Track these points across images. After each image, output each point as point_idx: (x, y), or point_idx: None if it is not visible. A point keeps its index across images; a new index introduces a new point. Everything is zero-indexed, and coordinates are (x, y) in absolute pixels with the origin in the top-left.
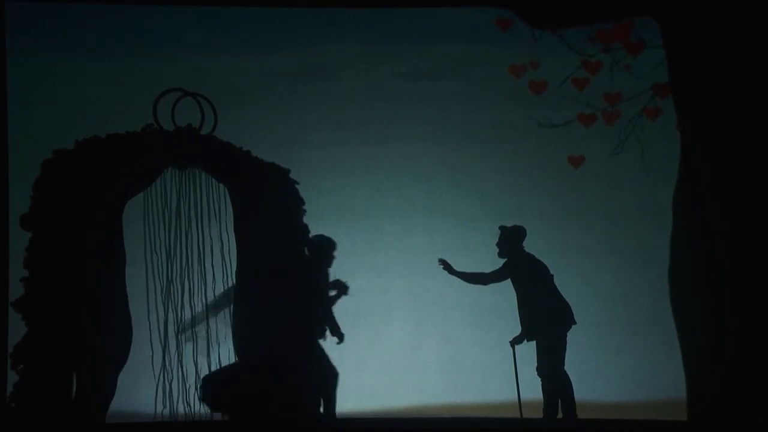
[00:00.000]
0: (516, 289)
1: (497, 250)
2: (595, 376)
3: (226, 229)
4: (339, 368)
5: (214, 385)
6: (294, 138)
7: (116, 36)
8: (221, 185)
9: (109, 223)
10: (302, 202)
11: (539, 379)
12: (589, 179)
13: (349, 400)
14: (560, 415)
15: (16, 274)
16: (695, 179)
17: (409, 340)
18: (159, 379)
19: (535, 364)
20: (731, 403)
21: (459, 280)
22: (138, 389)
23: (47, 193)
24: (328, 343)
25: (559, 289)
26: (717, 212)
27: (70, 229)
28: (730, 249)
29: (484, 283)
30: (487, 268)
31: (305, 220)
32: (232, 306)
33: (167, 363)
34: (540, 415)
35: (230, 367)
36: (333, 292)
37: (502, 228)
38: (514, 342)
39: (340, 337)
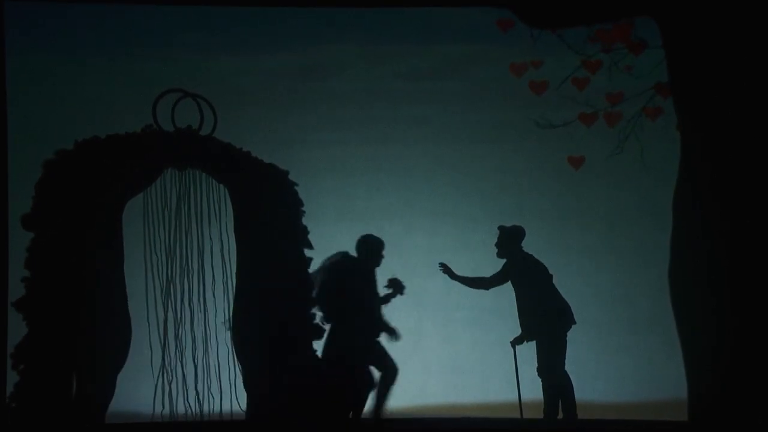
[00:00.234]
0: (515, 290)
1: (496, 250)
2: (595, 376)
3: (226, 230)
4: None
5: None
6: (294, 138)
7: (116, 36)
8: (221, 186)
9: (109, 223)
10: (301, 204)
11: (539, 380)
12: (589, 179)
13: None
14: (560, 415)
15: (16, 274)
16: (695, 179)
17: (409, 341)
18: (158, 379)
19: (536, 365)
20: (732, 403)
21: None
22: (137, 390)
23: (49, 193)
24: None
25: (559, 289)
26: (717, 212)
27: (72, 229)
28: (730, 249)
29: (486, 288)
30: (487, 268)
31: (305, 220)
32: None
33: (167, 363)
34: (540, 415)
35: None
36: (389, 291)
37: (500, 228)
38: (515, 342)
39: (394, 333)
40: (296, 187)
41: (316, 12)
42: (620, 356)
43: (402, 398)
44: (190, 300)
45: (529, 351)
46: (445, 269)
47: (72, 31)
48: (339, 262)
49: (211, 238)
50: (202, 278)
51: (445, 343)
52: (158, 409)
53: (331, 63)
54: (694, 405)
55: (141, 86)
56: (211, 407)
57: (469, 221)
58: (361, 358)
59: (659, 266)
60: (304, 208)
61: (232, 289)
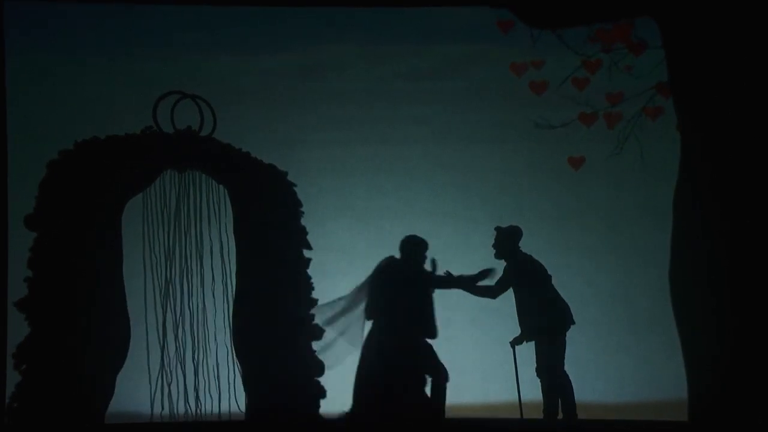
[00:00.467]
0: (514, 290)
1: (494, 252)
2: (595, 377)
3: (225, 231)
4: (340, 369)
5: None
6: (294, 138)
7: (116, 36)
8: (221, 186)
9: (110, 223)
10: (300, 204)
11: (539, 380)
12: (589, 179)
13: (350, 400)
14: (560, 415)
15: (15, 274)
16: (695, 179)
17: None
18: (158, 379)
19: (535, 365)
20: (732, 403)
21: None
22: (137, 390)
23: (52, 193)
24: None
25: (558, 289)
26: (717, 212)
27: (74, 229)
28: (730, 249)
29: (493, 297)
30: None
31: (304, 220)
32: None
33: (166, 364)
34: (540, 415)
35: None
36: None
37: (497, 229)
38: (515, 342)
39: (431, 332)
40: (295, 187)
41: (316, 12)
42: (620, 356)
43: None
44: (190, 300)
45: (529, 351)
46: (449, 277)
47: (72, 31)
48: (380, 265)
49: (210, 239)
50: (202, 279)
51: (445, 343)
52: (158, 409)
53: (331, 63)
54: (694, 405)
55: (141, 86)
56: (211, 407)
57: (469, 222)
58: (403, 358)
59: (659, 266)
60: (303, 209)
61: (232, 290)
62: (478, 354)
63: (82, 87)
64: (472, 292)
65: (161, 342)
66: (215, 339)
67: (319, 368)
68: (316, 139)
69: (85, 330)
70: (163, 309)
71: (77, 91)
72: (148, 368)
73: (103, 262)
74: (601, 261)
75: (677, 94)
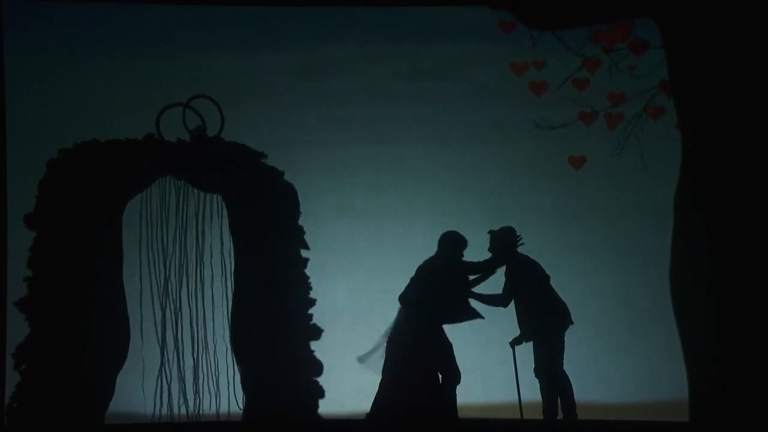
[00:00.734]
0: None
1: (490, 255)
2: (595, 377)
3: (226, 229)
4: (339, 369)
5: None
6: (294, 138)
7: (116, 36)
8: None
9: (110, 223)
10: (297, 204)
11: (538, 380)
12: (589, 179)
13: (349, 400)
14: (560, 415)
15: (14, 274)
16: (695, 179)
17: None
18: (157, 379)
19: (534, 366)
20: (732, 403)
21: None
22: (137, 390)
23: (52, 192)
24: (321, 340)
25: (558, 289)
26: (717, 212)
27: (75, 229)
28: (731, 249)
29: (505, 306)
30: None
31: (304, 220)
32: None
33: (165, 364)
34: (540, 415)
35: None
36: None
37: (491, 233)
38: (514, 343)
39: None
40: (295, 187)
41: (316, 12)
42: (620, 356)
43: None
44: (189, 300)
45: (529, 351)
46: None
47: (72, 31)
48: (423, 263)
49: (211, 236)
50: (201, 278)
51: None
52: (157, 409)
53: (331, 63)
54: (694, 405)
55: (141, 86)
56: (210, 407)
57: (469, 221)
58: (424, 349)
59: (659, 266)
60: (302, 208)
61: (231, 289)
62: (478, 354)
63: (82, 87)
64: (484, 301)
65: (160, 342)
66: (214, 339)
67: (318, 368)
68: (316, 139)
69: (85, 330)
70: (162, 308)
71: (77, 90)
72: (143, 368)
73: (103, 262)
74: (601, 261)
75: (677, 94)
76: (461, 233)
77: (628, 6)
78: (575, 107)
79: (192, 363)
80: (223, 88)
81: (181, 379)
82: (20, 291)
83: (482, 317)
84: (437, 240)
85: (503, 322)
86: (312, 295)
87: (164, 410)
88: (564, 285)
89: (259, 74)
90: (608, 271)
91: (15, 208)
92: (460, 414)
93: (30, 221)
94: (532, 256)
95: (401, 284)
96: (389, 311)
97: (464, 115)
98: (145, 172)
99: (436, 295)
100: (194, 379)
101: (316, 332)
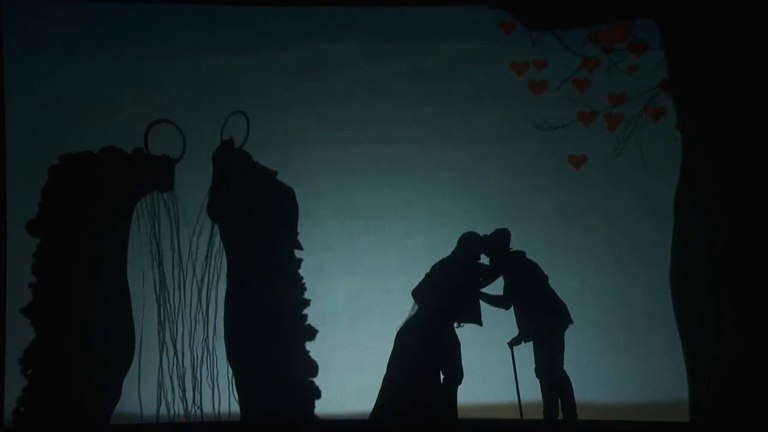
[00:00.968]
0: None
1: (488, 259)
2: (595, 377)
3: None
4: (339, 369)
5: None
6: (294, 138)
7: (116, 35)
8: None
9: (115, 227)
10: (294, 203)
11: (539, 380)
12: (589, 179)
13: (349, 400)
14: (560, 415)
15: (14, 277)
16: (695, 179)
17: None
18: (157, 380)
19: (533, 366)
20: (732, 403)
21: None
22: (136, 390)
23: (54, 198)
24: (320, 340)
25: (558, 289)
26: (717, 212)
27: (77, 234)
28: (731, 249)
29: (507, 308)
30: None
31: (304, 220)
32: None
33: (164, 365)
34: (540, 415)
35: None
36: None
37: (484, 237)
38: (512, 343)
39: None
40: (289, 187)
41: (316, 12)
42: (620, 356)
43: None
44: (189, 300)
45: (528, 352)
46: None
47: (72, 31)
48: (440, 262)
49: (212, 235)
50: (200, 278)
51: None
52: (156, 409)
53: (331, 63)
54: (694, 405)
55: (140, 85)
56: (210, 407)
57: (469, 221)
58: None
59: (659, 266)
60: (302, 208)
61: (225, 290)
62: (478, 354)
63: (82, 87)
64: (488, 302)
65: (159, 343)
66: (214, 339)
67: (313, 369)
68: (316, 139)
69: (90, 334)
70: (160, 309)
71: (76, 90)
72: (139, 369)
73: (108, 266)
74: (601, 261)
75: (677, 94)
76: (472, 233)
77: (627, 6)
78: (575, 107)
79: (192, 363)
80: (223, 88)
81: (181, 379)
82: (21, 295)
83: (481, 325)
84: (435, 240)
85: (503, 322)
86: (312, 295)
87: (163, 410)
88: (564, 285)
89: (259, 74)
90: (608, 271)
91: (15, 207)
92: (460, 414)
93: (33, 227)
94: (531, 257)
95: (401, 284)
96: (389, 311)
97: (464, 115)
98: (135, 187)
99: (451, 295)
100: (194, 379)
101: (311, 333)
